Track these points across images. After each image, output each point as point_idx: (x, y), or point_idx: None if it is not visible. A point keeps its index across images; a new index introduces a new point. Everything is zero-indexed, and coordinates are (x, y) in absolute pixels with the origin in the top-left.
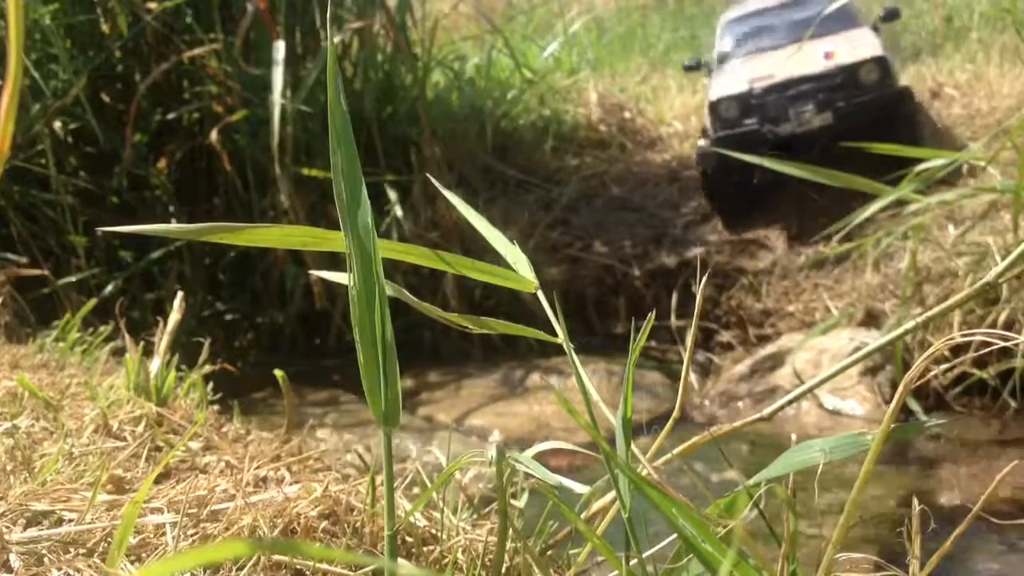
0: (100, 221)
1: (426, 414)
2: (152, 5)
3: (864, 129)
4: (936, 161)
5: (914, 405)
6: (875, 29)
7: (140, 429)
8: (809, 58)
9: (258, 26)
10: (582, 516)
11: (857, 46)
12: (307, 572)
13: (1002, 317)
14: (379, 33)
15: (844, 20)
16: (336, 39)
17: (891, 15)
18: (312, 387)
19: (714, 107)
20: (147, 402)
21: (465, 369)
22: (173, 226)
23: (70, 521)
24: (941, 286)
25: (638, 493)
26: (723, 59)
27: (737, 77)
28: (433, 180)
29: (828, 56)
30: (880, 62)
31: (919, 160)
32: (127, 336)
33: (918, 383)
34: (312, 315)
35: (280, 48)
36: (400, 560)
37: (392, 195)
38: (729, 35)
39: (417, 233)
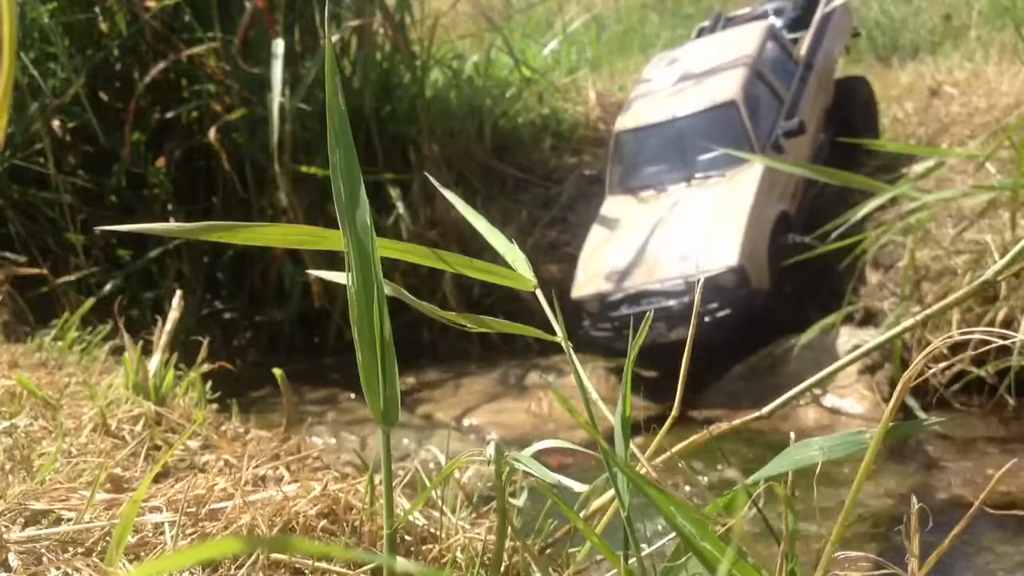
0: (99, 220)
1: (425, 412)
2: (150, 4)
3: (729, 335)
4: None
5: (912, 403)
6: (776, 148)
7: (139, 428)
8: (665, 251)
9: (257, 25)
10: (581, 515)
11: (715, 248)
12: (306, 571)
13: (1000, 315)
14: (378, 31)
15: (735, 147)
16: (334, 37)
17: (792, 133)
18: (311, 386)
19: (576, 304)
20: (146, 401)
21: (464, 368)
22: (172, 225)
23: (69, 520)
24: (940, 284)
25: (637, 492)
26: (610, 183)
27: (598, 271)
28: (432, 179)
29: (687, 250)
30: (736, 272)
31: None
32: (126, 335)
33: (917, 381)
34: (311, 314)
35: (279, 46)
36: (399, 559)
37: (395, 192)
38: (618, 153)
39: (416, 232)
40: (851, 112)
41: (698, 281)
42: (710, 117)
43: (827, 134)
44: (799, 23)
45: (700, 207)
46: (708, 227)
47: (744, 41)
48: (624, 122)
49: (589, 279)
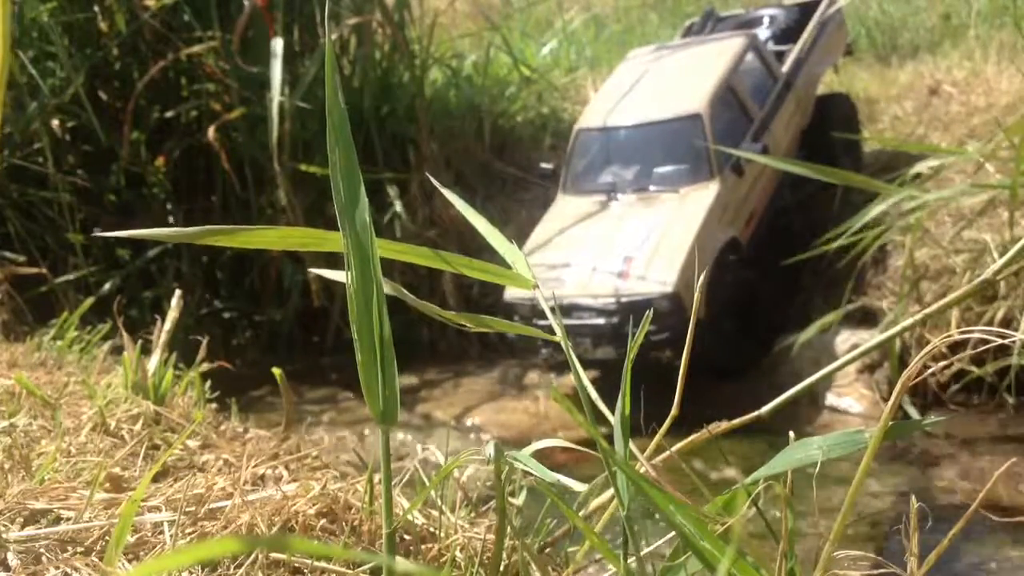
0: (98, 219)
1: (424, 412)
2: (150, 3)
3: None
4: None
5: (912, 402)
6: (736, 169)
7: (138, 427)
8: (603, 266)
9: (256, 23)
10: (580, 514)
11: (654, 271)
12: (305, 570)
13: (1000, 314)
14: (377, 30)
15: (694, 164)
16: (334, 36)
17: (739, 169)
18: (310, 385)
19: (507, 307)
20: (145, 400)
21: (463, 367)
22: (170, 230)
23: (68, 519)
24: (939, 283)
25: (636, 491)
26: (563, 181)
27: (534, 274)
28: (431, 178)
29: (625, 268)
30: (671, 299)
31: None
32: (125, 334)
33: (916, 380)
34: (310, 313)
35: (278, 45)
36: (398, 558)
37: (392, 191)
38: (576, 151)
39: (415, 231)
40: (828, 133)
41: (630, 303)
42: (673, 128)
43: (801, 156)
44: (788, 35)
45: (647, 224)
46: (651, 247)
47: (722, 52)
48: (586, 120)
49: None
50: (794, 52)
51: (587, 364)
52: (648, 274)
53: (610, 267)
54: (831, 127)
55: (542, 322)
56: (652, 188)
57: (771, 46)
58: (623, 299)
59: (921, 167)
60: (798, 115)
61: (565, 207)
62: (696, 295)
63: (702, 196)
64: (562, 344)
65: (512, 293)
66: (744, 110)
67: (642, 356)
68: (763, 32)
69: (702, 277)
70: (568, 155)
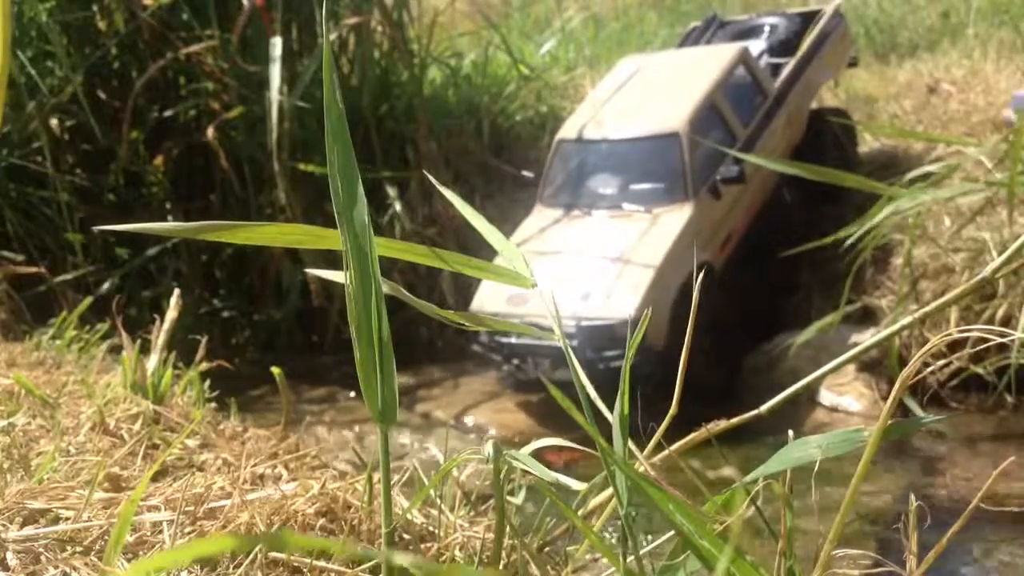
0: (97, 218)
1: (424, 411)
2: (148, 2)
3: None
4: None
5: (911, 401)
6: (713, 191)
7: (137, 427)
8: (568, 285)
9: (255, 23)
10: (579, 513)
11: (616, 295)
12: (305, 569)
13: (999, 313)
14: (376, 29)
15: (669, 184)
16: (332, 36)
17: (732, 180)
18: (309, 384)
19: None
20: (144, 400)
21: (462, 366)
22: (170, 224)
23: (67, 519)
24: (938, 282)
25: (635, 489)
26: (541, 192)
27: (501, 288)
28: (430, 177)
29: (588, 289)
30: (631, 325)
31: None
32: (124, 334)
33: (915, 379)
34: (309, 312)
35: (277, 45)
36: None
37: (392, 191)
38: (555, 162)
39: (414, 230)
40: (820, 151)
41: (589, 327)
42: (650, 146)
43: (786, 178)
44: (788, 47)
45: (615, 244)
46: (616, 269)
47: (709, 65)
48: (567, 131)
49: (489, 295)
50: (788, 67)
51: (544, 387)
52: (610, 298)
53: (574, 287)
54: (822, 145)
55: (504, 339)
56: (625, 206)
57: (768, 58)
58: (583, 322)
59: (924, 169)
60: (788, 132)
61: (539, 219)
62: (689, 321)
63: (674, 218)
64: (561, 343)
65: (477, 306)
66: (727, 129)
67: (604, 378)
68: (762, 43)
69: (667, 304)
70: (547, 165)
